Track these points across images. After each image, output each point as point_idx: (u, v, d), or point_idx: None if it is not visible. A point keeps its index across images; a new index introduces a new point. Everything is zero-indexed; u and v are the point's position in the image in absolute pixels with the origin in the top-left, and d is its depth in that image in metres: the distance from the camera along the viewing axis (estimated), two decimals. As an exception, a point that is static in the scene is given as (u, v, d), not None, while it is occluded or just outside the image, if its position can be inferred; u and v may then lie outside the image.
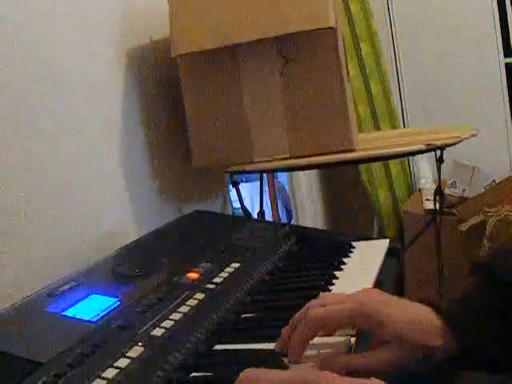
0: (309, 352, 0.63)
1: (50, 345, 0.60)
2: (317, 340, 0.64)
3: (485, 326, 0.64)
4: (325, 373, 0.49)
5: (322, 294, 0.72)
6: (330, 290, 0.81)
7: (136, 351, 0.61)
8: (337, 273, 0.87)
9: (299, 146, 1.30)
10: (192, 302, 0.74)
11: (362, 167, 2.71)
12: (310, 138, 1.30)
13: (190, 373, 0.60)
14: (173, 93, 1.41)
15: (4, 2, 0.95)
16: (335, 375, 0.49)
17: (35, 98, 1.00)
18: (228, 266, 0.88)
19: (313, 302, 0.65)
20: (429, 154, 1.49)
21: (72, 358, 0.58)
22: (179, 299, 0.74)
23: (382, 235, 2.80)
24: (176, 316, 0.70)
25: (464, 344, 0.62)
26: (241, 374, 0.51)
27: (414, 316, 0.64)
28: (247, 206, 1.50)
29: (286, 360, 0.60)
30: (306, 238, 1.08)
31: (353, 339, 0.65)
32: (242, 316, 0.75)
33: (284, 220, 3.44)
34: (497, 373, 0.64)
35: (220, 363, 0.63)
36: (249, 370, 0.51)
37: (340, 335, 0.65)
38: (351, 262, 0.93)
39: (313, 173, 2.73)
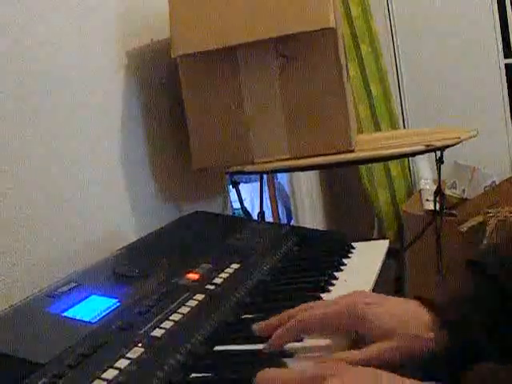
0: (310, 343, 0.64)
1: (50, 346, 0.60)
2: (317, 342, 0.64)
3: (473, 318, 0.64)
4: (335, 363, 0.50)
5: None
6: (329, 291, 0.81)
7: (136, 352, 0.61)
8: (337, 273, 0.87)
9: (299, 147, 1.30)
10: (192, 303, 0.74)
11: (362, 168, 2.71)
12: (309, 138, 1.30)
13: (190, 374, 0.60)
14: (173, 93, 1.41)
15: (4, 3, 0.95)
16: (344, 364, 0.50)
17: (35, 98, 1.00)
18: (228, 266, 0.88)
19: (304, 305, 0.67)
20: (429, 154, 1.49)
21: (72, 358, 0.58)
22: (179, 300, 0.74)
23: (381, 236, 2.80)
24: (176, 317, 0.70)
25: (453, 335, 0.63)
26: (258, 375, 0.51)
27: (400, 311, 0.65)
28: (247, 207, 1.50)
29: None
30: (305, 239, 1.08)
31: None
32: (242, 317, 0.75)
33: (284, 221, 3.44)
34: (485, 361, 0.65)
35: (220, 364, 0.63)
36: (266, 370, 0.52)
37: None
38: (351, 263, 0.93)
39: (313, 173, 2.73)
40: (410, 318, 0.64)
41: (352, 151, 1.28)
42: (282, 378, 0.51)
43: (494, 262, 0.69)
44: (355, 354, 0.61)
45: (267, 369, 0.53)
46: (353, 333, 0.65)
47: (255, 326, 0.66)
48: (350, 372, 0.51)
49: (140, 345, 0.62)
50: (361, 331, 0.64)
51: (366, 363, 0.59)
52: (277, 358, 0.61)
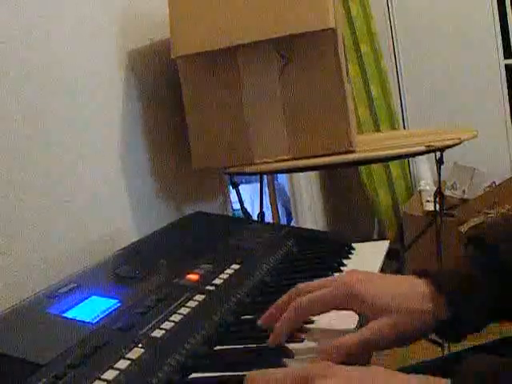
0: (311, 344, 0.64)
1: (50, 346, 0.60)
2: (319, 339, 0.64)
3: (472, 289, 0.65)
4: (324, 364, 0.50)
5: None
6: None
7: (136, 353, 0.61)
8: (337, 274, 0.87)
9: (299, 148, 1.30)
10: (192, 304, 0.74)
11: (362, 169, 2.72)
12: (310, 139, 1.30)
13: (190, 374, 0.60)
14: (173, 93, 1.41)
15: (5, 4, 0.95)
16: (334, 365, 0.50)
17: (35, 99, 1.00)
18: (228, 267, 0.88)
19: (301, 285, 0.67)
20: (429, 155, 1.49)
21: (72, 359, 0.58)
22: (179, 301, 0.74)
23: (381, 236, 2.80)
24: (176, 317, 0.70)
25: (451, 307, 0.63)
26: (246, 376, 0.51)
27: (396, 286, 0.65)
28: (247, 208, 1.50)
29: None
30: (305, 240, 1.08)
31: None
32: (242, 317, 0.75)
33: (284, 221, 3.44)
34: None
35: (220, 364, 0.63)
36: (254, 371, 0.52)
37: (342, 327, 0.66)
38: (351, 264, 0.93)
39: (313, 174, 2.73)
40: (405, 293, 0.64)
41: (352, 152, 1.28)
42: (271, 379, 0.51)
43: (494, 235, 0.70)
44: (353, 336, 0.60)
45: (256, 370, 0.53)
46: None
47: (259, 321, 0.66)
48: (341, 372, 0.51)
49: (140, 345, 0.62)
50: (357, 310, 0.64)
51: (366, 344, 0.60)
52: (277, 358, 0.61)
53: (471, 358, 0.55)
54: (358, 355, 0.59)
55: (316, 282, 0.68)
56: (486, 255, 0.67)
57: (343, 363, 0.54)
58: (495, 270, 0.66)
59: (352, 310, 0.65)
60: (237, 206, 1.61)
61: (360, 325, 0.65)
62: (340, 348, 0.59)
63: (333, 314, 0.66)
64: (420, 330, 0.63)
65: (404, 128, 3.13)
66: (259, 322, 0.66)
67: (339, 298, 0.64)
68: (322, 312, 0.66)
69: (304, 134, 1.30)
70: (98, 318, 0.68)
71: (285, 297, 0.66)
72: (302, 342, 0.65)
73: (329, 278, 0.69)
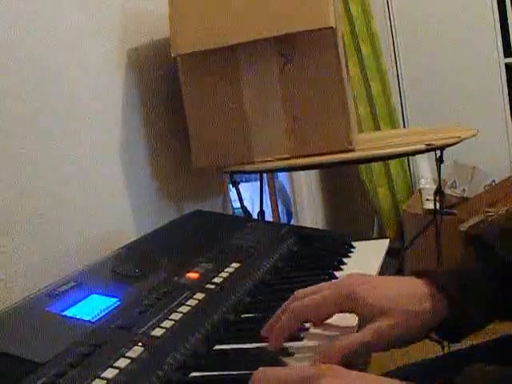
0: (310, 343, 0.64)
1: (50, 345, 0.60)
2: (318, 338, 0.64)
3: (471, 288, 0.65)
4: (329, 366, 0.50)
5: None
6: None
7: (136, 351, 0.61)
8: (337, 273, 0.87)
9: (299, 146, 1.30)
10: (192, 302, 0.74)
11: (362, 167, 2.72)
12: (310, 137, 1.30)
13: (190, 373, 0.60)
14: (173, 93, 1.41)
15: (3, 3, 0.95)
16: (335, 367, 0.50)
17: (35, 98, 1.00)
18: (228, 266, 0.88)
19: (299, 291, 0.67)
20: (429, 154, 1.49)
21: (72, 358, 0.58)
22: (179, 299, 0.74)
23: (381, 235, 2.80)
24: (176, 316, 0.70)
25: (451, 306, 0.63)
26: (254, 374, 0.51)
27: (395, 287, 0.65)
28: (247, 206, 1.50)
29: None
30: (305, 238, 1.08)
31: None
32: (242, 316, 0.75)
33: (284, 220, 3.44)
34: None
35: (220, 363, 0.63)
36: (261, 369, 0.52)
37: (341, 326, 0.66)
38: (351, 262, 0.93)
39: (313, 173, 2.73)
40: (405, 294, 0.64)
41: (352, 150, 1.28)
42: (278, 378, 0.51)
43: (493, 234, 0.70)
44: (354, 337, 0.60)
45: (263, 368, 0.52)
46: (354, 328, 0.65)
47: (262, 332, 0.66)
48: (345, 374, 0.51)
49: (140, 344, 0.62)
50: (358, 312, 0.64)
51: (366, 345, 0.60)
52: (277, 357, 0.61)
53: (470, 369, 0.56)
54: (358, 356, 0.59)
55: (313, 287, 0.68)
56: (485, 255, 0.67)
57: (343, 364, 0.54)
58: (495, 269, 0.66)
59: (351, 312, 0.64)
60: (237, 204, 1.61)
61: (360, 324, 0.65)
62: (340, 349, 0.59)
63: None
64: (420, 331, 0.63)
65: (404, 126, 3.13)
66: (262, 333, 0.66)
67: (338, 300, 0.63)
68: (322, 316, 0.66)
69: (304, 132, 1.30)
70: (97, 317, 0.68)
71: (284, 305, 0.66)
72: (302, 340, 0.65)
73: (326, 283, 0.69)
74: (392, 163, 2.81)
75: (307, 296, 0.65)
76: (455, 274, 0.66)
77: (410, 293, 0.64)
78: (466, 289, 0.64)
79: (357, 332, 0.62)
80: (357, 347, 0.59)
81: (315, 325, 0.67)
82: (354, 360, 0.58)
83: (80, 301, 0.71)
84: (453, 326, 0.64)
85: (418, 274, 0.66)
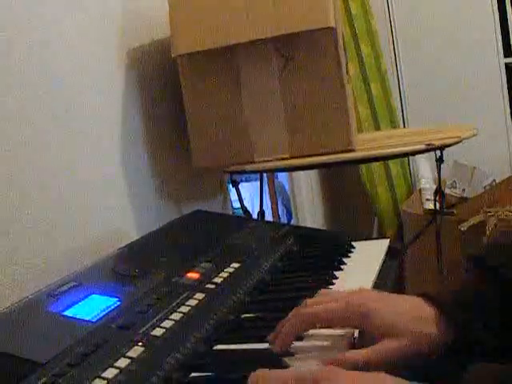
0: (311, 343, 0.64)
1: (51, 345, 0.60)
2: (319, 338, 0.64)
3: (475, 311, 0.64)
4: (330, 368, 0.50)
5: (322, 290, 0.72)
6: (330, 290, 0.81)
7: (136, 351, 0.61)
8: (337, 273, 0.87)
9: (299, 146, 1.30)
10: (192, 302, 0.74)
11: (362, 167, 2.71)
12: (310, 137, 1.30)
13: (190, 373, 0.60)
14: (173, 93, 1.41)
15: (4, 4, 0.95)
16: (340, 370, 0.49)
17: (35, 99, 1.00)
18: (228, 266, 0.88)
19: (310, 300, 0.67)
20: (429, 153, 1.49)
21: (72, 358, 0.58)
22: (179, 299, 0.74)
23: (381, 235, 2.80)
24: (176, 316, 0.70)
25: (456, 330, 0.63)
26: (251, 376, 0.51)
27: (403, 307, 0.64)
28: (247, 206, 1.50)
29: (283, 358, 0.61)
30: (305, 238, 1.08)
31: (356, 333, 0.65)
32: (242, 316, 0.75)
33: (284, 220, 3.45)
34: (490, 357, 0.65)
35: (220, 363, 0.63)
36: (259, 371, 0.52)
37: (341, 333, 0.66)
38: (351, 262, 0.93)
39: (313, 173, 2.73)
40: (415, 315, 0.63)
41: (352, 150, 1.28)
42: (275, 380, 0.51)
43: (494, 254, 0.69)
44: (358, 354, 0.60)
45: (260, 370, 0.52)
46: (352, 337, 0.65)
47: (269, 338, 0.65)
48: (347, 377, 0.50)
49: (140, 344, 0.62)
50: (366, 329, 0.64)
51: (369, 364, 0.59)
52: (277, 357, 0.61)
53: (473, 368, 0.55)
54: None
55: (324, 297, 0.68)
56: (488, 277, 0.67)
57: None
58: (496, 293, 0.65)
59: (357, 327, 0.64)
60: (237, 204, 1.61)
61: (365, 339, 0.64)
62: (343, 363, 0.58)
63: None
64: (426, 354, 0.63)
65: (404, 126, 3.13)
66: (269, 340, 0.65)
67: (348, 315, 0.63)
68: (327, 326, 0.66)
69: (304, 132, 1.30)
70: (98, 317, 0.68)
71: (293, 311, 0.66)
72: (302, 340, 0.65)
73: (337, 293, 0.69)
74: (392, 163, 2.81)
75: (318, 304, 0.65)
76: (460, 298, 0.65)
77: (420, 315, 0.64)
78: (468, 312, 0.64)
79: (359, 343, 0.62)
80: (359, 364, 0.59)
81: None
82: None
83: (80, 301, 0.71)
84: (459, 349, 0.64)
85: (424, 296, 0.66)
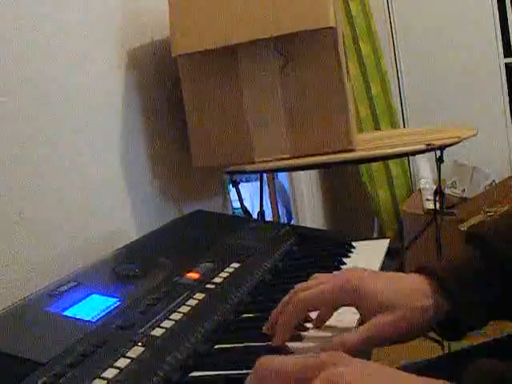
0: (311, 343, 0.64)
1: (50, 345, 0.60)
2: (318, 332, 0.65)
3: (471, 285, 0.64)
4: (335, 352, 0.50)
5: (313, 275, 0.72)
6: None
7: (136, 351, 0.61)
8: (336, 272, 0.87)
9: (299, 146, 1.30)
10: (192, 302, 0.74)
11: (362, 167, 2.71)
12: (310, 137, 1.30)
13: (190, 373, 0.60)
14: (173, 93, 1.41)
15: (3, 4, 0.95)
16: (336, 354, 0.49)
17: (35, 99, 1.00)
18: (228, 265, 0.88)
19: (299, 285, 0.67)
20: (429, 153, 1.49)
21: (72, 358, 0.58)
22: (179, 299, 0.74)
23: (381, 235, 2.80)
24: (176, 316, 0.70)
25: (451, 302, 0.63)
26: (258, 361, 0.51)
27: (397, 282, 0.65)
28: (247, 206, 1.50)
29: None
30: (305, 238, 1.08)
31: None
32: (242, 316, 0.75)
33: (284, 220, 3.44)
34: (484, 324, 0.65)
35: (220, 363, 0.63)
36: (265, 357, 0.51)
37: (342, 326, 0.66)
38: (351, 262, 0.93)
39: (313, 173, 2.73)
40: (406, 289, 0.63)
41: (352, 150, 1.28)
42: (283, 365, 0.50)
43: (493, 233, 0.69)
44: (355, 333, 0.60)
45: (267, 356, 0.52)
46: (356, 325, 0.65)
47: (264, 330, 0.66)
48: (353, 362, 0.50)
49: (140, 344, 0.62)
50: (358, 306, 0.64)
51: (368, 341, 0.60)
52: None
53: (473, 363, 0.55)
54: (360, 352, 0.59)
55: (313, 280, 0.68)
56: (486, 255, 0.67)
57: None
58: (495, 270, 0.66)
59: (351, 305, 0.64)
60: (237, 204, 1.61)
61: (360, 322, 0.65)
62: (343, 345, 0.58)
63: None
64: (421, 327, 0.63)
65: (404, 126, 3.13)
66: (264, 330, 0.66)
67: (339, 293, 0.63)
68: (322, 307, 0.66)
69: (304, 132, 1.30)
70: (98, 317, 0.68)
71: (284, 299, 0.66)
72: (301, 340, 0.65)
73: (325, 275, 0.69)
74: (392, 163, 2.81)
75: (308, 288, 0.65)
76: (456, 271, 0.66)
77: (413, 288, 0.64)
78: (466, 287, 0.64)
79: (360, 326, 0.62)
80: (358, 343, 0.59)
81: (316, 326, 0.67)
82: (355, 356, 0.58)
83: (80, 301, 0.71)
84: (452, 324, 0.64)
85: (419, 270, 0.66)
